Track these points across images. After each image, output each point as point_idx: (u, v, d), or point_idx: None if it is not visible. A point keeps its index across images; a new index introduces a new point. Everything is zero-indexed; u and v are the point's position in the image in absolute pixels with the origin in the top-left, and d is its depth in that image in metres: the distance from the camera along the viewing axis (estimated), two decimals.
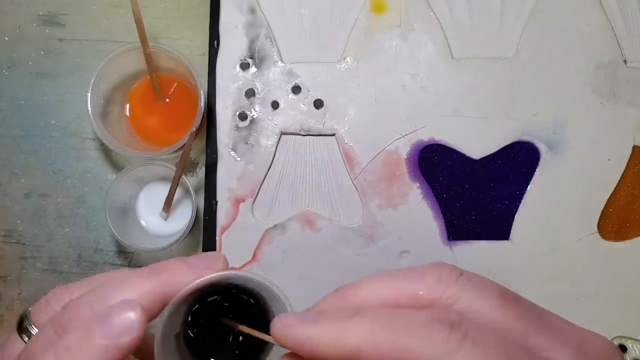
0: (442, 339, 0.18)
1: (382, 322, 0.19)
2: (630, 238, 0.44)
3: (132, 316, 0.21)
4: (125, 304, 0.22)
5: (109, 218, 0.42)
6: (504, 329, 0.19)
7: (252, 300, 0.28)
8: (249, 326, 0.26)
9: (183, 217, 0.45)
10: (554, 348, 0.19)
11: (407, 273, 0.21)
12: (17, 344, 0.24)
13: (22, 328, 0.24)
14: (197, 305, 0.28)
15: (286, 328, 0.20)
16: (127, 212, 0.46)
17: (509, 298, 0.20)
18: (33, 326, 0.24)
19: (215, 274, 0.25)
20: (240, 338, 0.29)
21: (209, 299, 0.28)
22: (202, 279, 0.24)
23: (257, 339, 0.25)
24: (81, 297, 0.23)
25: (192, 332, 0.28)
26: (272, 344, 0.27)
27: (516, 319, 0.19)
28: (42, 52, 0.48)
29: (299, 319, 0.20)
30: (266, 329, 0.23)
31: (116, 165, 0.47)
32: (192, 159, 0.47)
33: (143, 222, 0.46)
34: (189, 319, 0.28)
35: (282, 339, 0.20)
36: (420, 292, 0.20)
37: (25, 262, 0.47)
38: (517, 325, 0.19)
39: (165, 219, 0.46)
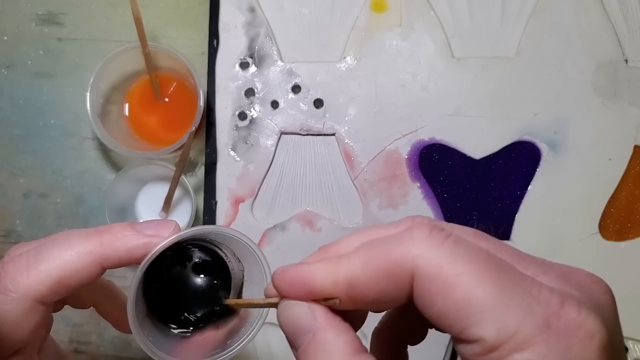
0: (424, 237, 0.18)
1: (369, 245, 0.20)
2: (631, 238, 0.44)
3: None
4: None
5: (108, 218, 0.42)
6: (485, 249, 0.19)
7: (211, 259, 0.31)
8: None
9: (182, 217, 0.45)
10: (537, 275, 0.19)
11: (383, 225, 0.21)
12: None
13: None
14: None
15: (284, 271, 0.21)
16: (126, 212, 0.45)
17: (481, 234, 0.21)
18: None
19: (192, 229, 0.26)
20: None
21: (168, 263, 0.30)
22: (180, 234, 0.25)
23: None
24: (23, 253, 0.25)
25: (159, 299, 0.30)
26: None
27: (494, 250, 0.19)
28: (41, 52, 0.48)
29: (294, 265, 0.21)
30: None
31: (115, 165, 0.47)
32: (192, 158, 0.47)
33: None
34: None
35: (280, 279, 0.21)
36: None
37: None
38: (497, 253, 0.19)
39: (165, 219, 0.45)
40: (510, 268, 0.18)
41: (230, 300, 0.30)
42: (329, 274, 0.20)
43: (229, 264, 0.31)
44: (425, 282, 0.18)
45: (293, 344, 0.21)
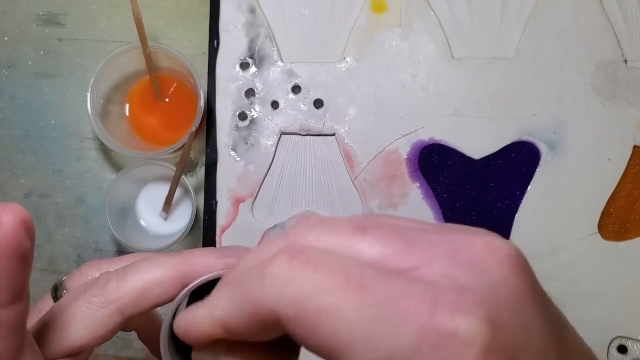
0: (282, 271, 0.17)
1: (235, 282, 0.19)
2: (631, 238, 0.44)
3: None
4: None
5: (108, 218, 0.42)
6: (354, 256, 0.18)
7: None
8: None
9: (183, 217, 0.45)
10: (422, 265, 0.17)
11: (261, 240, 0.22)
12: (49, 301, 0.27)
13: (55, 294, 0.27)
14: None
15: (179, 320, 0.22)
16: (126, 212, 0.46)
17: (366, 227, 0.19)
18: (65, 291, 0.27)
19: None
20: None
21: None
22: (214, 273, 0.25)
23: None
24: (112, 271, 0.25)
25: None
26: None
27: (370, 247, 0.18)
28: (42, 52, 0.48)
29: (184, 313, 0.22)
30: None
31: (116, 165, 0.47)
32: (192, 159, 0.47)
33: (143, 222, 0.46)
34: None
35: (177, 329, 0.22)
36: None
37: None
38: (372, 253, 0.18)
39: (165, 219, 0.46)
40: (375, 279, 0.17)
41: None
42: (206, 320, 0.20)
43: None
44: (290, 325, 0.17)
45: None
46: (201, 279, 0.25)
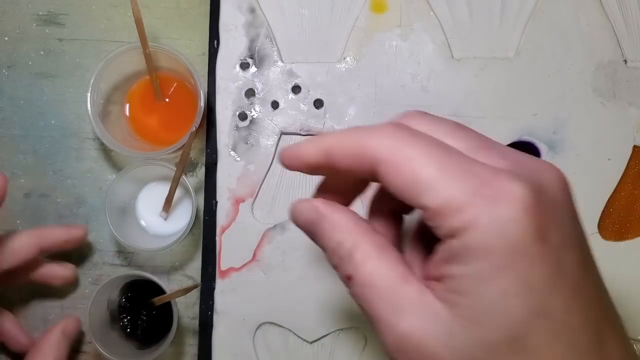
0: (389, 133, 0.23)
1: (350, 131, 0.24)
2: (631, 238, 0.44)
3: None
4: None
5: (108, 218, 0.42)
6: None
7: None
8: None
9: (183, 217, 0.45)
10: (494, 161, 0.23)
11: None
12: None
13: None
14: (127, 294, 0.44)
15: (284, 150, 0.26)
16: (126, 212, 0.46)
17: (460, 126, 0.25)
18: None
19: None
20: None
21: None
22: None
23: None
24: None
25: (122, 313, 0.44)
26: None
27: (460, 141, 0.23)
28: (42, 52, 0.48)
29: (290, 145, 0.26)
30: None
31: (116, 165, 0.47)
32: (192, 159, 0.47)
33: (143, 222, 0.46)
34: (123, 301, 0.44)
35: (282, 157, 0.26)
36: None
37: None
38: (462, 145, 0.23)
39: (165, 219, 0.46)
40: (457, 155, 0.22)
41: (155, 299, 0.40)
42: (314, 145, 0.25)
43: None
44: (384, 167, 0.22)
45: (311, 237, 0.26)
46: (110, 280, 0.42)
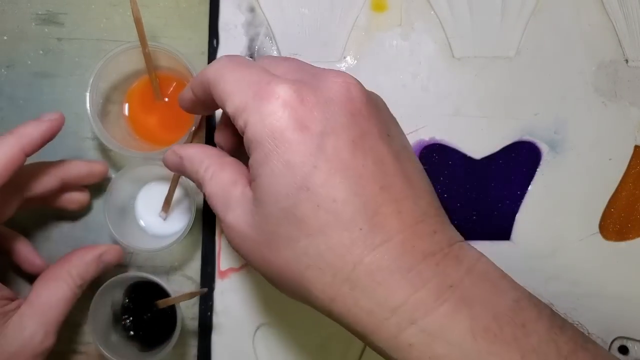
0: (220, 61, 0.32)
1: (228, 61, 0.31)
2: (632, 238, 0.44)
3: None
4: None
5: (107, 218, 0.42)
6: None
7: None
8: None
9: (182, 217, 0.45)
10: (288, 73, 0.30)
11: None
12: None
13: None
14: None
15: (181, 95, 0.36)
16: (126, 212, 0.45)
17: (288, 58, 0.33)
18: None
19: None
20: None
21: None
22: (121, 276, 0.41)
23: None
24: None
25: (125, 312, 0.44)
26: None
27: (282, 66, 0.31)
28: (41, 52, 0.48)
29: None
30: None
31: (115, 165, 0.47)
32: None
33: (142, 222, 0.46)
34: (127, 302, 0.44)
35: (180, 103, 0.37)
36: None
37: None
38: (283, 68, 0.30)
39: (165, 219, 0.45)
40: (258, 72, 0.29)
41: (160, 301, 0.40)
42: (188, 90, 0.35)
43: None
44: (212, 87, 0.30)
45: (181, 174, 0.36)
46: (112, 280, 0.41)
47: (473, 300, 0.25)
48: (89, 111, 0.42)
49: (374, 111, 0.29)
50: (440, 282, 0.25)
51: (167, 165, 0.35)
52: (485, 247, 0.44)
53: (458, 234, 0.30)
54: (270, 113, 0.26)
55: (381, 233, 0.25)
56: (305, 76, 0.29)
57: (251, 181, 0.28)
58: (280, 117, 0.26)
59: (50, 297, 0.38)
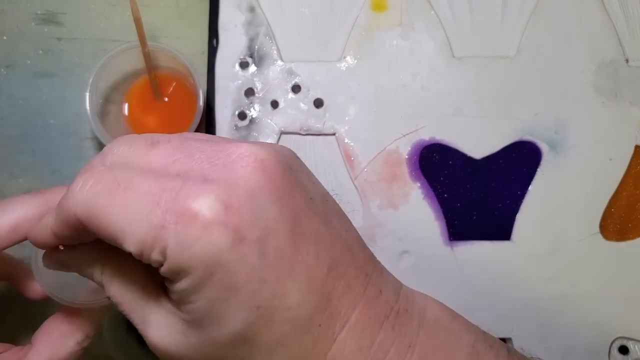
0: (80, 185, 0.23)
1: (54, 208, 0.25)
2: (632, 238, 0.44)
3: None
4: None
5: None
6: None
7: None
8: None
9: None
10: (189, 169, 0.23)
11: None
12: None
13: None
14: None
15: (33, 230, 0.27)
16: None
17: (159, 141, 0.24)
18: None
19: None
20: None
21: None
22: None
23: None
24: None
25: None
26: None
27: (157, 157, 0.23)
28: (41, 51, 0.48)
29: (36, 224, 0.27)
30: None
31: None
32: None
33: None
34: None
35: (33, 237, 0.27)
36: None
37: (24, 262, 0.46)
38: (157, 162, 0.23)
39: None
40: (142, 183, 0.22)
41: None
42: (43, 230, 0.26)
43: None
44: (86, 223, 0.23)
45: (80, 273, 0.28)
46: None
47: (433, 355, 0.25)
48: (88, 111, 0.42)
49: (292, 178, 0.24)
50: (399, 346, 0.24)
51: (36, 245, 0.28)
52: (486, 247, 0.44)
53: (391, 275, 0.27)
54: (195, 239, 0.21)
55: (339, 319, 0.23)
56: (202, 164, 0.23)
57: (178, 303, 0.24)
58: (210, 242, 0.21)
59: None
